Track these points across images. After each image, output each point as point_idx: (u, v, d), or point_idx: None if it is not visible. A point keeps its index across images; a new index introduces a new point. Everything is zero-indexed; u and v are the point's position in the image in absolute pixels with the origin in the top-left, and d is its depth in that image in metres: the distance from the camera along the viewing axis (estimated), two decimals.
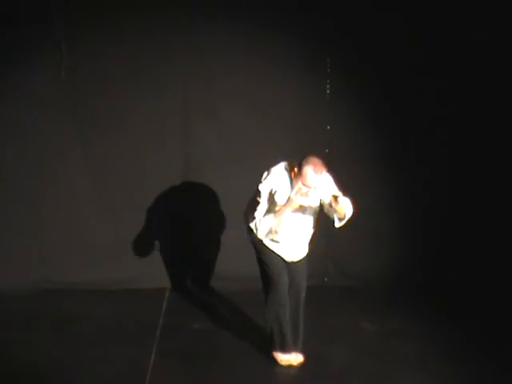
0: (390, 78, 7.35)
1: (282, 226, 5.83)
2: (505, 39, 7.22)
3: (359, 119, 7.48)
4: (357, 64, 7.31)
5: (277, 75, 7.35)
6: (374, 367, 6.13)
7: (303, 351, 6.16)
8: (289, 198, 5.73)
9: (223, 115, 7.41)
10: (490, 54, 7.25)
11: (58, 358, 6.22)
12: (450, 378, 5.98)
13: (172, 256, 7.60)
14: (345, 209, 5.77)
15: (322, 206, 5.94)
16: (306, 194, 5.69)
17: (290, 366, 6.11)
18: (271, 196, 5.80)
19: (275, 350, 6.14)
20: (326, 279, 7.67)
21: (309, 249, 6.13)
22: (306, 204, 5.79)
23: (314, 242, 6.18)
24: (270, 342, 6.16)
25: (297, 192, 5.67)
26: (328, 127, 7.45)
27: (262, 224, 5.81)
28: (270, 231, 5.83)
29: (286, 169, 5.85)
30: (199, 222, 7.55)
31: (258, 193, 5.86)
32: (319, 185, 5.70)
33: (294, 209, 5.76)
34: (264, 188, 5.83)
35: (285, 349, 6.11)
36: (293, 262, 6.06)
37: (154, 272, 7.52)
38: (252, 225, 5.91)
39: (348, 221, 5.87)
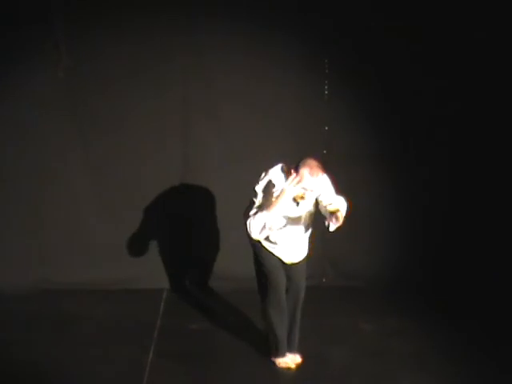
0: (389, 78, 7.35)
1: (275, 221, 5.74)
2: (505, 39, 7.22)
3: (359, 119, 7.48)
4: (356, 64, 7.31)
5: (277, 75, 7.35)
6: (374, 367, 6.12)
7: (302, 351, 6.15)
8: (282, 189, 5.67)
9: (223, 115, 7.41)
10: (490, 53, 7.25)
11: (57, 358, 6.22)
12: (449, 378, 5.97)
13: (171, 256, 7.60)
14: (343, 217, 5.70)
15: (317, 203, 5.91)
16: (303, 196, 5.68)
17: (289, 369, 6.09)
18: (269, 196, 5.76)
19: (272, 352, 6.13)
20: (324, 280, 7.66)
21: (308, 250, 6.11)
22: (297, 194, 5.70)
23: (312, 243, 6.16)
24: (267, 343, 6.15)
25: (290, 183, 5.63)
26: (326, 128, 7.45)
27: (256, 220, 5.70)
28: (264, 227, 5.73)
29: (282, 170, 5.82)
30: (198, 223, 7.55)
31: (254, 193, 5.84)
32: (315, 187, 5.68)
33: (288, 204, 5.69)
34: (260, 189, 5.81)
35: (281, 352, 6.09)
36: (292, 264, 6.02)
37: (153, 272, 7.52)
38: (247, 224, 5.87)
39: (343, 223, 5.78)
